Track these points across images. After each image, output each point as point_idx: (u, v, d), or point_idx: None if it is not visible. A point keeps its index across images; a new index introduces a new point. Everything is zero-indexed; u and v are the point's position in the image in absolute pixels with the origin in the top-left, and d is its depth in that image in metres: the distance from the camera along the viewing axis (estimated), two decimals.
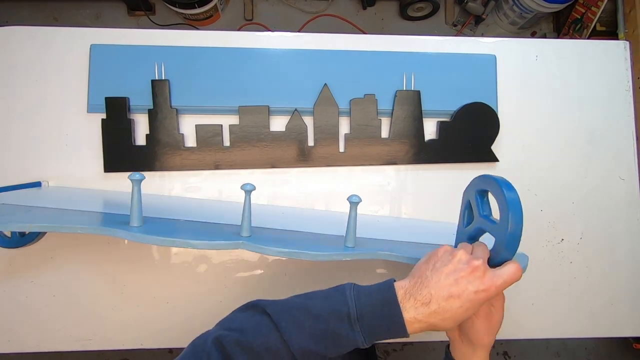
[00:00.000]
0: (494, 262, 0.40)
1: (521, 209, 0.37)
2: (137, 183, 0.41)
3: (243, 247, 0.43)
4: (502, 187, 0.38)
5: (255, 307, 0.38)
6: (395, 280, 0.38)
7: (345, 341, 0.36)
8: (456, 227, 0.48)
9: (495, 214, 0.40)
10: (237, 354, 0.34)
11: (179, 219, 0.50)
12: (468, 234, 0.45)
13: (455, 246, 0.48)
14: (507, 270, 0.37)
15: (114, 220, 0.45)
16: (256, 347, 0.34)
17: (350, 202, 0.43)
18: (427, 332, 0.37)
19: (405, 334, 0.36)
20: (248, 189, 0.42)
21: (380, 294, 0.37)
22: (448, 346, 0.46)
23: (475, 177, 0.43)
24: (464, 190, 0.46)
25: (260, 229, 0.49)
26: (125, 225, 0.43)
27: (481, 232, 0.43)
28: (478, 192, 0.42)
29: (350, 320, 0.35)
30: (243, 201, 0.43)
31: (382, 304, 0.36)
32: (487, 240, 0.41)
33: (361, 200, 0.43)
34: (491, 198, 0.41)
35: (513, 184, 0.39)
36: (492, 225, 0.40)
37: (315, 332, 0.35)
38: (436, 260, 0.38)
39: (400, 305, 0.36)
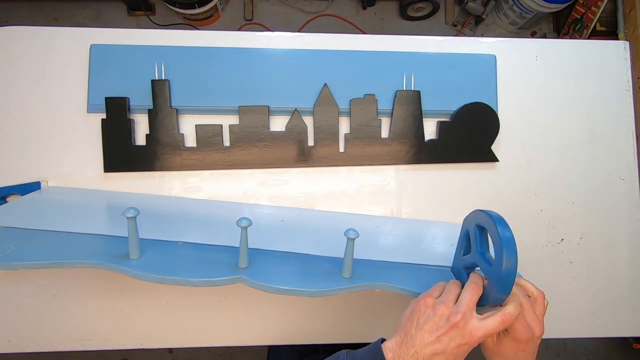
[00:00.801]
0: (487, 301, 0.39)
1: (515, 250, 0.37)
2: (132, 220, 0.42)
3: (241, 281, 0.44)
4: (497, 224, 0.38)
5: None
6: (383, 341, 0.40)
7: None
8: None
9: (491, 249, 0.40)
10: None
11: (178, 241, 0.50)
12: (464, 263, 0.45)
13: (452, 270, 0.49)
14: (490, 322, 0.38)
15: (113, 250, 0.46)
16: None
17: (348, 237, 0.43)
18: None
19: None
20: (244, 225, 0.42)
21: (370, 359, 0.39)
22: None
23: (476, 210, 0.43)
24: (464, 218, 0.46)
25: (258, 251, 0.50)
26: (124, 259, 0.44)
27: (476, 265, 0.43)
28: (477, 226, 0.42)
29: None
30: (240, 237, 0.44)
31: None
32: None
33: (359, 236, 0.43)
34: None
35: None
36: (487, 266, 0.40)
37: None
38: (419, 315, 0.40)
39: None
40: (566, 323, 0.63)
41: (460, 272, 0.46)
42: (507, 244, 0.37)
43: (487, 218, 0.39)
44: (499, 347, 0.41)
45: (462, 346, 0.37)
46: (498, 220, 0.38)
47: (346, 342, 0.60)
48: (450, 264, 0.49)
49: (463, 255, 0.45)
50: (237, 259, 0.45)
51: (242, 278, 0.44)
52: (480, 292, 0.40)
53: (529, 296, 0.42)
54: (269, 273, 0.45)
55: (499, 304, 0.40)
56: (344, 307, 0.60)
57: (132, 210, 0.41)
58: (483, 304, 0.40)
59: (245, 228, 0.43)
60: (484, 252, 0.42)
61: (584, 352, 1.34)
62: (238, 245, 0.44)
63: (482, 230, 0.42)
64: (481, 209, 0.42)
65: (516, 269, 0.37)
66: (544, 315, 0.42)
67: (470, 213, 0.44)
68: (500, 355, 0.42)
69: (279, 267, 0.47)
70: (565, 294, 0.63)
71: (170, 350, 1.27)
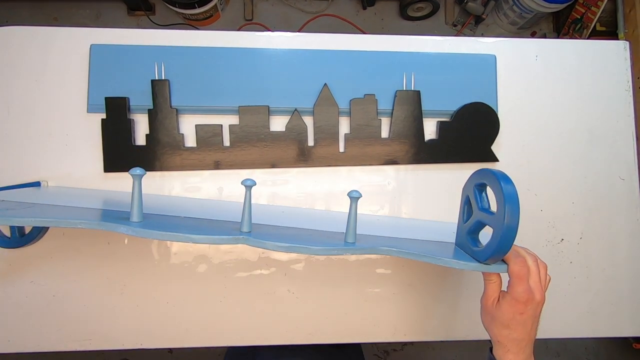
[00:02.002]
0: (490, 254, 0.40)
1: (518, 202, 0.38)
2: (137, 178, 0.41)
3: (243, 242, 0.43)
4: (500, 180, 0.39)
5: None
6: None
7: None
8: (455, 226, 0.49)
9: (494, 207, 0.40)
10: None
11: (180, 215, 0.50)
12: (467, 229, 0.45)
13: (457, 244, 0.49)
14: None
15: (114, 216, 0.45)
16: None
17: (351, 197, 0.43)
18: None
19: None
20: (249, 184, 0.42)
21: None
22: (491, 349, 0.46)
23: (474, 172, 0.44)
24: (463, 187, 0.47)
25: (260, 225, 0.49)
26: (125, 221, 0.43)
27: (480, 225, 0.44)
28: (476, 186, 0.43)
29: None
30: (243, 197, 0.43)
31: None
32: (486, 235, 0.42)
33: (361, 196, 0.43)
34: (490, 192, 0.42)
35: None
36: (491, 217, 0.41)
37: None
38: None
39: None
40: (566, 323, 0.63)
41: (465, 243, 0.46)
42: (510, 198, 0.37)
43: (489, 175, 0.41)
44: (499, 310, 0.42)
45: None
46: (501, 176, 0.39)
47: (343, 342, 0.60)
48: (453, 242, 0.50)
49: (465, 223, 0.46)
50: (240, 226, 0.44)
51: (244, 238, 0.43)
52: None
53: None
54: (272, 236, 0.44)
55: (500, 258, 0.40)
56: (341, 308, 0.60)
57: (138, 170, 0.41)
58: (485, 258, 0.40)
59: (250, 187, 0.42)
60: (487, 207, 0.43)
61: (584, 352, 1.34)
62: (240, 220, 0.44)
63: (481, 188, 0.43)
64: (481, 168, 0.43)
65: (518, 221, 0.37)
66: (547, 285, 0.43)
67: (469, 178, 0.45)
68: (498, 319, 0.42)
69: (282, 233, 0.47)
70: (565, 294, 0.63)
71: (170, 350, 1.27)
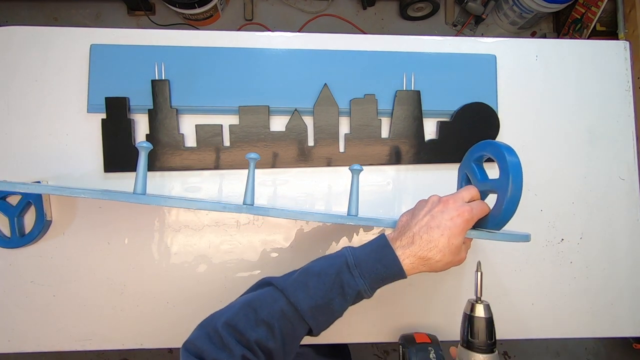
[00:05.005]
0: (494, 221, 0.41)
1: (521, 173, 0.39)
2: (144, 150, 0.42)
3: (246, 211, 0.44)
4: (504, 151, 0.40)
5: (260, 284, 0.42)
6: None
7: (348, 289, 0.39)
8: None
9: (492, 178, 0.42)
10: (249, 329, 0.37)
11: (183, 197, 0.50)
12: None
13: None
14: (476, 202, 0.42)
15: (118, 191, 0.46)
16: (265, 317, 0.38)
17: (352, 171, 0.44)
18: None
19: (401, 271, 0.39)
20: (253, 157, 0.43)
21: (373, 242, 0.41)
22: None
23: (472, 148, 0.45)
24: (459, 167, 0.48)
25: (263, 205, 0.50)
26: (128, 193, 0.43)
27: (483, 197, 0.44)
28: (475, 160, 0.44)
29: (349, 268, 0.39)
30: (247, 171, 0.44)
31: (377, 249, 0.40)
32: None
33: (362, 169, 0.44)
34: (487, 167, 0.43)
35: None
36: (493, 182, 0.42)
37: (319, 287, 0.39)
38: (414, 209, 0.44)
39: (392, 245, 0.40)
40: (566, 323, 0.63)
41: None
42: (514, 168, 0.38)
43: (493, 146, 0.41)
44: None
45: (455, 218, 0.40)
46: (506, 148, 0.40)
47: (343, 343, 0.60)
48: None
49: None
50: (243, 199, 0.45)
51: (247, 207, 0.43)
52: (475, 193, 0.43)
53: None
54: (274, 207, 0.45)
55: (500, 228, 0.41)
56: None
57: (145, 143, 0.41)
58: (495, 223, 0.41)
59: (254, 160, 0.43)
60: (485, 179, 0.44)
61: (584, 352, 1.34)
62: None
63: (479, 162, 0.44)
64: (478, 143, 0.44)
65: (521, 188, 0.39)
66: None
67: (466, 155, 0.46)
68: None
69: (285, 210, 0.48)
70: (565, 294, 0.63)
71: (170, 350, 1.27)
